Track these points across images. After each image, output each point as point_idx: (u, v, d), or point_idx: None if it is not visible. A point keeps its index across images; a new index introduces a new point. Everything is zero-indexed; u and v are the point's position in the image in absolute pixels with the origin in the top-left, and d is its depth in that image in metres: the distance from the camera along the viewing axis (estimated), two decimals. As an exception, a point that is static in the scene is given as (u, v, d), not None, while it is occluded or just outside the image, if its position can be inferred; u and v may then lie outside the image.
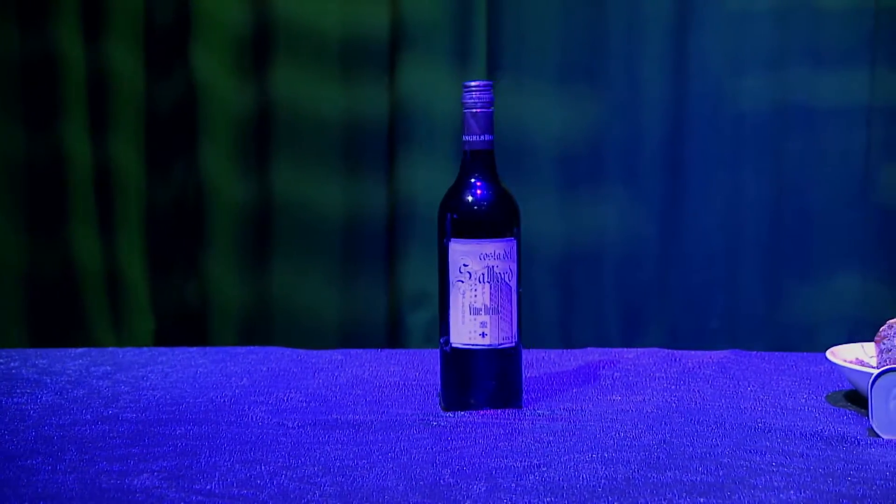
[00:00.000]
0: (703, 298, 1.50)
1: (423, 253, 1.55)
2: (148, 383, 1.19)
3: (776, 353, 1.38)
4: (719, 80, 1.48)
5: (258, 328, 1.61)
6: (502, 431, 1.00)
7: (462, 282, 1.09)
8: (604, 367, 1.32)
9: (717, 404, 1.11)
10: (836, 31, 1.45)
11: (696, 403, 1.11)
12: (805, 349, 1.38)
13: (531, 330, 1.55)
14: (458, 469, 0.87)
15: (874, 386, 0.98)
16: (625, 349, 1.46)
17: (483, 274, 1.09)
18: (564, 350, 1.47)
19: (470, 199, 1.10)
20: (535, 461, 0.90)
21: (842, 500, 0.80)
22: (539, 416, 1.07)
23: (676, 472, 0.87)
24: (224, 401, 1.12)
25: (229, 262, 1.62)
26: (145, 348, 1.42)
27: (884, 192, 1.45)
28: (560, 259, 1.53)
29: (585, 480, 0.84)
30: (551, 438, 0.98)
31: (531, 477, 0.85)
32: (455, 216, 1.10)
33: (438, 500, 0.80)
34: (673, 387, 1.20)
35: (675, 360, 1.37)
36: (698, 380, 1.24)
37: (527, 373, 1.30)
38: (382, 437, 0.98)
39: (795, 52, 1.46)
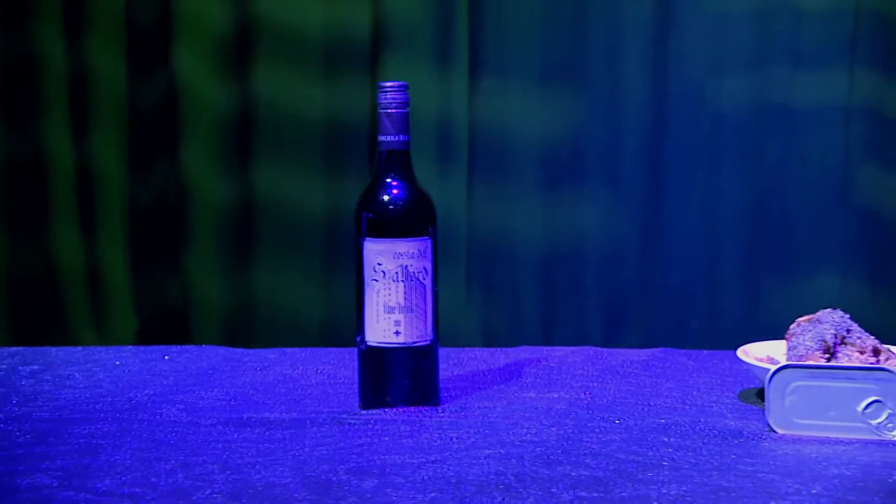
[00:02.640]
0: (683, 297, 1.51)
1: None
2: (71, 382, 1.20)
3: (703, 352, 1.40)
4: (699, 81, 1.49)
5: (240, 326, 1.62)
6: (409, 429, 1.02)
7: (376, 281, 1.11)
8: (530, 365, 1.33)
9: (627, 401, 1.13)
10: (815, 32, 1.47)
11: (605, 400, 1.13)
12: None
13: (514, 329, 1.57)
14: (354, 466, 0.89)
15: (771, 382, 1.00)
16: (555, 347, 1.48)
17: (397, 273, 1.11)
18: (496, 349, 1.48)
19: (383, 199, 1.12)
20: (433, 457, 0.91)
21: (720, 492, 0.82)
22: (452, 413, 1.08)
23: (567, 467, 0.88)
24: (142, 400, 1.13)
25: (211, 260, 1.63)
26: (80, 347, 1.43)
27: (862, 192, 1.46)
28: (542, 258, 1.55)
29: (476, 476, 0.86)
30: (455, 435, 0.99)
31: (424, 472, 0.87)
32: (370, 216, 1.11)
33: (324, 495, 0.81)
34: (590, 384, 1.21)
35: (602, 358, 1.38)
36: (617, 377, 1.25)
37: (454, 371, 1.32)
38: (290, 435, 0.99)
39: (775, 53, 1.47)
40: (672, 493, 0.82)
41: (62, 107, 1.59)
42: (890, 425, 0.96)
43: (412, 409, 1.10)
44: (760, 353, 1.18)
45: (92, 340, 1.61)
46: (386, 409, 1.10)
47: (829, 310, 1.14)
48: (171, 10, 1.59)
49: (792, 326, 1.15)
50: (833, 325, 1.10)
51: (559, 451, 0.93)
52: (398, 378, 1.12)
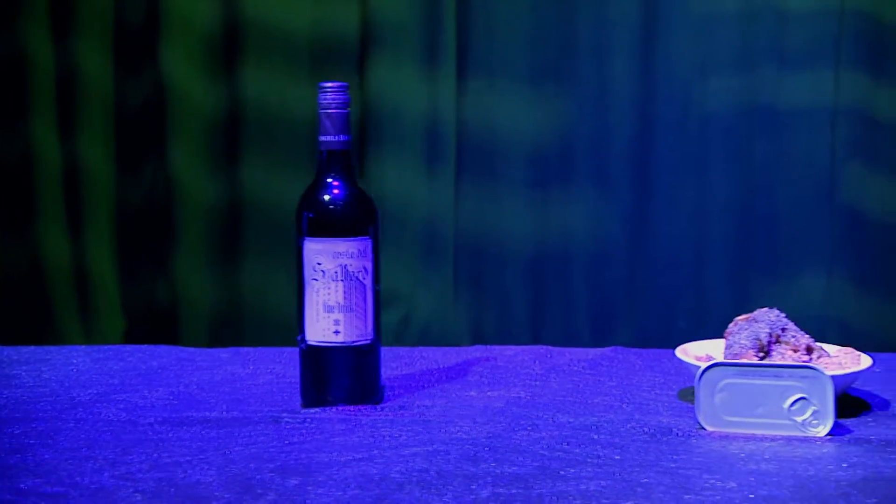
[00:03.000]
0: (671, 298, 1.52)
1: (393, 252, 1.57)
2: (16, 382, 1.21)
3: (653, 350, 1.41)
4: (687, 82, 1.49)
5: (229, 327, 1.62)
6: (344, 427, 1.03)
7: (316, 280, 1.12)
8: (479, 364, 1.34)
9: (565, 400, 1.14)
10: (800, 33, 1.47)
11: (543, 399, 1.14)
12: None
13: (502, 328, 1.57)
14: (280, 464, 0.90)
15: (701, 380, 1.01)
16: (507, 346, 1.49)
17: (336, 272, 1.11)
18: (450, 348, 1.49)
19: (323, 198, 1.12)
20: (361, 455, 0.92)
21: (637, 488, 0.83)
22: (390, 411, 1.09)
23: (491, 464, 0.89)
24: (84, 399, 1.14)
25: (199, 261, 1.62)
26: (34, 347, 1.44)
27: (849, 192, 1.46)
28: (530, 258, 1.55)
29: (399, 473, 0.87)
30: (388, 433, 1.00)
31: (349, 470, 0.88)
32: (310, 215, 1.12)
33: (244, 493, 0.82)
34: (533, 383, 1.22)
35: (552, 357, 1.40)
36: (561, 376, 1.26)
37: (404, 370, 1.33)
38: (225, 434, 1.00)
39: (761, 54, 1.47)
40: (590, 488, 0.83)
41: (49, 106, 1.59)
42: (814, 422, 0.97)
43: (352, 407, 1.11)
44: (700, 352, 1.19)
45: (79, 340, 1.61)
46: (327, 408, 1.11)
47: (765, 309, 1.15)
48: (159, 10, 1.59)
49: (730, 325, 1.16)
50: (768, 324, 1.12)
51: (486, 449, 0.93)
52: (338, 377, 1.13)
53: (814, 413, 0.97)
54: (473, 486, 0.83)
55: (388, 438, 0.98)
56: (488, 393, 1.18)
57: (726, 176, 1.49)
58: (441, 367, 1.34)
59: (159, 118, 1.59)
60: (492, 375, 1.28)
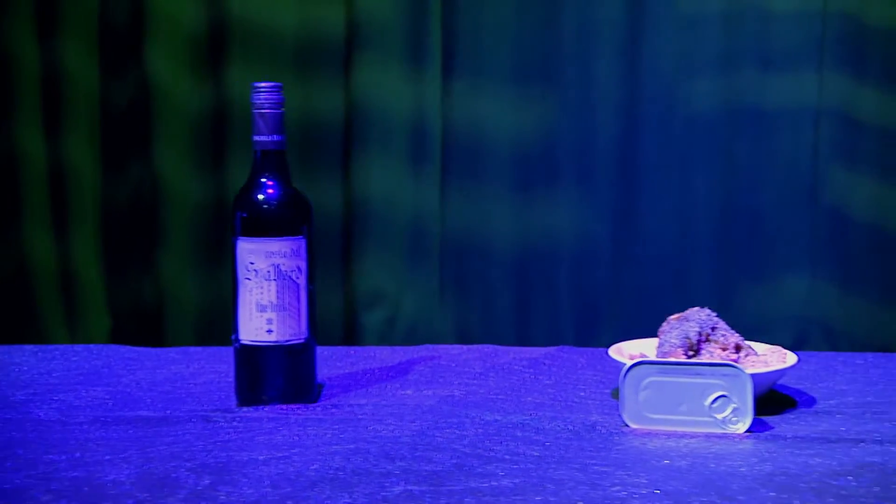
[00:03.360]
0: (655, 297, 1.52)
1: (379, 252, 1.57)
2: (-46, 382, 1.21)
3: (600, 349, 1.42)
4: (671, 83, 1.50)
5: (214, 325, 1.62)
6: (273, 426, 1.03)
7: (249, 279, 1.12)
8: (422, 364, 1.35)
9: (498, 398, 1.14)
10: (784, 34, 1.48)
11: (476, 397, 1.14)
12: None
13: (487, 328, 1.57)
14: (199, 463, 0.90)
15: (626, 378, 1.02)
16: (453, 346, 1.49)
17: (269, 272, 1.12)
18: (397, 347, 1.50)
19: (256, 198, 1.13)
20: (281, 454, 0.92)
21: (547, 484, 0.83)
22: (322, 410, 1.10)
23: (409, 462, 0.90)
24: (19, 399, 1.14)
25: (185, 260, 1.62)
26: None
27: (832, 192, 1.47)
28: (515, 258, 1.55)
29: (315, 471, 0.87)
30: (315, 432, 1.00)
31: (266, 469, 0.88)
32: (243, 215, 1.13)
33: (156, 492, 0.82)
34: (470, 381, 1.23)
35: (497, 355, 1.40)
36: (501, 374, 1.27)
37: (347, 369, 1.34)
38: (152, 433, 1.00)
39: (745, 55, 1.48)
40: (502, 485, 0.84)
41: (35, 106, 1.59)
42: (734, 419, 0.98)
43: (286, 406, 1.11)
44: (634, 351, 1.20)
45: (65, 340, 1.61)
46: (260, 407, 1.11)
47: (697, 308, 1.16)
48: (143, 10, 1.59)
49: (663, 324, 1.17)
50: (699, 323, 1.12)
51: (407, 447, 0.94)
52: (272, 376, 1.13)
53: (734, 410, 0.98)
54: (386, 484, 0.84)
55: (312, 437, 0.98)
56: (424, 392, 1.18)
57: (710, 176, 1.50)
58: (385, 366, 1.34)
59: (145, 118, 1.59)
60: (432, 374, 1.28)
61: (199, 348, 1.48)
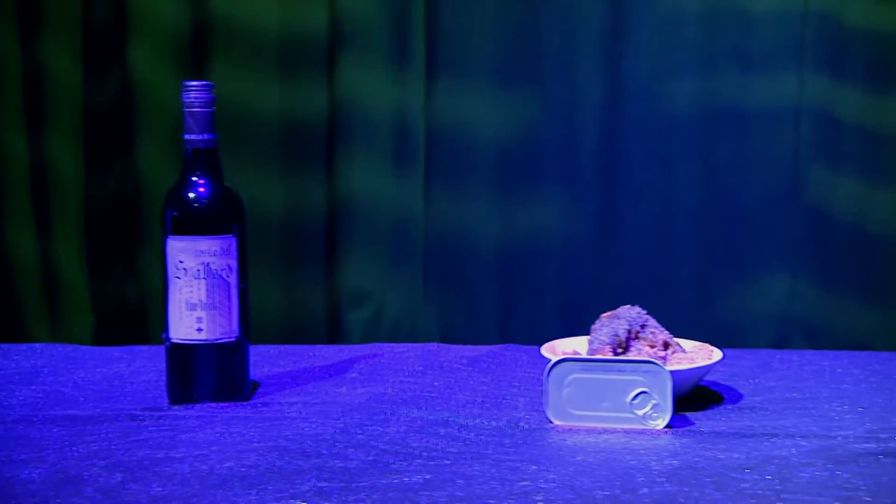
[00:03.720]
0: (637, 296, 1.52)
1: (363, 251, 1.57)
2: None
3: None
4: (652, 82, 1.50)
5: None
6: (197, 424, 1.03)
7: (179, 278, 1.12)
8: (362, 362, 1.35)
9: (430, 395, 1.14)
10: (764, 34, 1.48)
11: (408, 395, 1.14)
12: (736, 346, 1.42)
13: (471, 327, 1.57)
14: (115, 461, 0.90)
15: (549, 375, 1.02)
16: (398, 344, 1.50)
17: (199, 270, 1.12)
18: (342, 346, 1.50)
19: (186, 196, 1.13)
20: (199, 452, 0.92)
21: (457, 480, 0.83)
22: (251, 408, 1.09)
23: (325, 459, 0.90)
24: (-51, 398, 1.14)
25: None
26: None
27: (812, 192, 1.47)
28: (499, 257, 1.56)
29: (228, 469, 0.87)
30: (238, 430, 1.00)
31: (179, 466, 0.88)
32: (174, 213, 1.13)
33: (62, 489, 0.82)
34: (406, 379, 1.23)
35: (441, 353, 1.40)
36: (439, 372, 1.27)
37: (289, 367, 1.34)
38: (76, 432, 1.00)
39: (726, 56, 1.48)
40: (413, 480, 0.84)
41: (17, 106, 1.59)
42: (654, 415, 0.98)
43: (217, 405, 1.11)
44: (568, 348, 1.20)
45: (47, 338, 1.61)
46: (191, 406, 1.11)
47: (628, 306, 1.16)
48: (126, 9, 1.58)
49: (596, 322, 1.17)
50: (628, 321, 1.13)
51: (326, 444, 0.94)
52: (203, 374, 1.13)
53: (654, 406, 0.98)
54: (296, 481, 0.84)
55: (234, 435, 0.98)
56: (357, 390, 1.18)
57: (692, 176, 1.50)
58: (327, 364, 1.34)
59: (127, 117, 1.58)
60: (371, 372, 1.29)
61: (144, 347, 1.48)
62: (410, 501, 0.79)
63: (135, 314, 1.62)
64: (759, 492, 0.77)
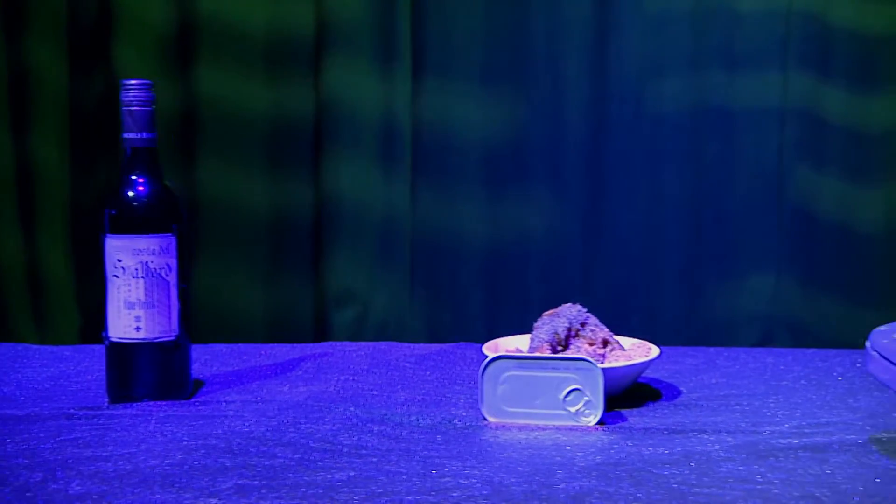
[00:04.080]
0: (624, 295, 1.52)
1: (349, 251, 1.57)
2: None
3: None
4: (639, 82, 1.50)
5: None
6: (130, 423, 1.02)
7: (117, 277, 1.12)
8: (311, 360, 1.34)
9: (370, 393, 1.14)
10: (749, 34, 1.48)
11: (348, 392, 1.14)
12: (722, 345, 1.42)
13: (458, 327, 1.57)
14: (39, 460, 0.89)
15: (484, 373, 1.02)
16: (351, 343, 1.49)
17: (137, 269, 1.11)
18: (295, 345, 1.50)
19: (124, 195, 1.12)
20: (127, 450, 0.92)
21: (379, 477, 0.83)
22: (189, 407, 1.09)
23: (252, 457, 0.89)
24: None
25: None
26: None
27: (797, 193, 1.48)
28: (485, 256, 1.55)
29: (151, 467, 0.87)
30: (171, 429, 1.00)
31: (104, 465, 0.88)
32: (112, 212, 1.12)
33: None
34: (348, 378, 1.23)
35: (390, 351, 1.40)
36: (384, 370, 1.27)
37: (237, 366, 1.33)
38: (8, 430, 0.99)
39: (711, 56, 1.48)
40: (335, 478, 0.83)
41: (2, 105, 1.58)
42: (587, 412, 0.98)
43: (156, 403, 1.11)
44: (511, 346, 1.20)
45: (33, 339, 1.60)
46: (129, 405, 1.11)
47: (569, 304, 1.16)
48: (112, 8, 1.58)
49: (538, 320, 1.17)
50: (568, 319, 1.13)
51: (255, 442, 0.94)
52: (142, 373, 1.13)
53: (586, 403, 0.98)
54: (219, 479, 0.84)
55: (166, 434, 0.98)
56: (299, 388, 1.18)
57: (678, 175, 1.51)
58: (274, 363, 1.34)
59: (113, 116, 1.57)
60: (316, 371, 1.28)
61: (96, 346, 1.47)
62: (329, 498, 0.79)
63: None
64: (675, 486, 0.77)
